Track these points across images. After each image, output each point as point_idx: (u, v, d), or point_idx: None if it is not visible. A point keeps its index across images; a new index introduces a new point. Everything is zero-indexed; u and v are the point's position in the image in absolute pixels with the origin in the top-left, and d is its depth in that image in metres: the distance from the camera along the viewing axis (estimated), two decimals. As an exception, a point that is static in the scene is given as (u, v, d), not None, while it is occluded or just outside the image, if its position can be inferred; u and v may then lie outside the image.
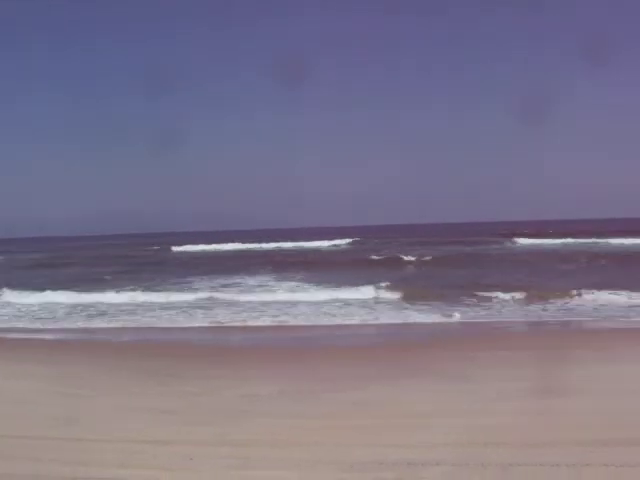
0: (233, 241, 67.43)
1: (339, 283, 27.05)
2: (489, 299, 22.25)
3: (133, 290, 26.87)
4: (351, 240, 65.55)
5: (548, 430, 8.21)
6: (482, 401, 10.00)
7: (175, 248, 62.20)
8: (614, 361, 12.78)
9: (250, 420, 9.23)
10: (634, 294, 21.32)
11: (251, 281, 32.12)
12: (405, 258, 40.23)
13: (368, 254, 44.78)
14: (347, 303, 23.01)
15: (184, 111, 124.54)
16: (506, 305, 21.32)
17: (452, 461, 7.08)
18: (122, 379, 12.50)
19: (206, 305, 23.50)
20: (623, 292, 21.65)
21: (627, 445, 7.43)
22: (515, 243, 58.45)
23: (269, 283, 31.10)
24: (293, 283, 30.10)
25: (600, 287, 22.87)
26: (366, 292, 24.14)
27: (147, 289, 27.47)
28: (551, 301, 21.44)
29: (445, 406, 9.78)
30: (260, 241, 66.99)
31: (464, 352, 14.28)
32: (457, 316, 19.50)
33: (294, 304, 22.78)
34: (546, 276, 29.20)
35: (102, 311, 23.08)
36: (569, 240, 58.10)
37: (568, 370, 12.05)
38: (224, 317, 20.58)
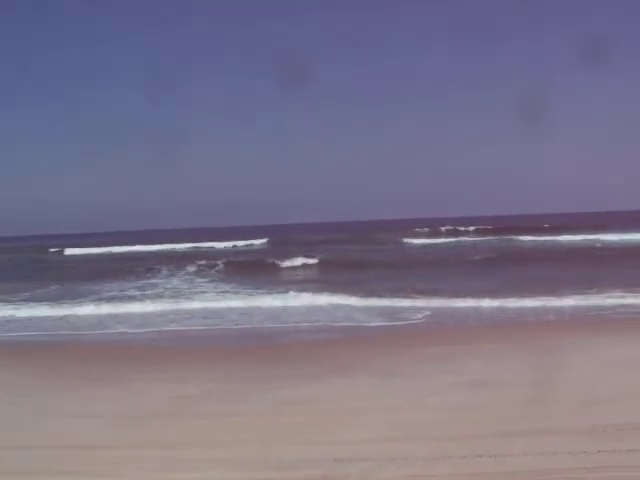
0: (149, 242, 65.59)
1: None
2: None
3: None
4: (265, 240, 65.03)
5: (472, 423, 8.38)
6: (409, 397, 10.13)
7: (69, 251, 59.47)
8: (536, 353, 13.09)
9: (178, 421, 9.16)
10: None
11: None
12: (279, 263, 38.63)
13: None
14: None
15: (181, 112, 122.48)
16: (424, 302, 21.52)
17: (378, 456, 7.17)
18: (47, 383, 12.22)
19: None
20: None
21: (546, 434, 7.65)
22: (407, 243, 58.88)
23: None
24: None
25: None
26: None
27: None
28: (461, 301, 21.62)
29: (372, 402, 9.87)
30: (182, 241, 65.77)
31: (392, 349, 14.42)
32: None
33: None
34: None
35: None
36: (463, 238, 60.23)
37: (493, 364, 12.35)
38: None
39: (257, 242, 63.46)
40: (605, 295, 21.06)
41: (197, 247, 60.50)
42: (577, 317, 18.18)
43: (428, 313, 19.41)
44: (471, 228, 73.53)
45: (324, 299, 22.40)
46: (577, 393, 9.59)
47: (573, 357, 12.51)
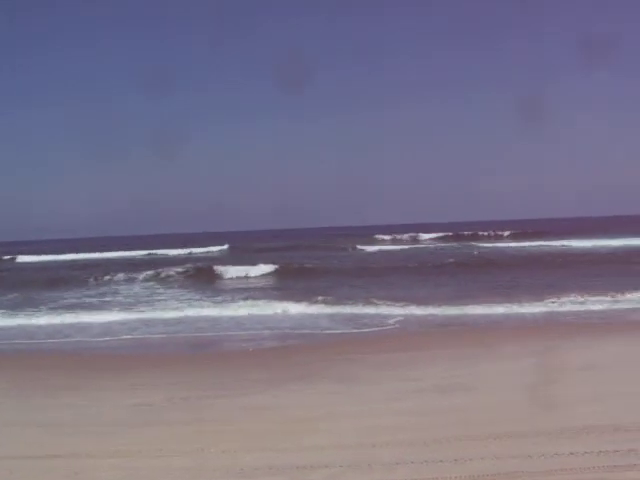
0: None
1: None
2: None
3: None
4: (225, 247, 64.82)
5: (433, 428, 8.45)
6: (371, 403, 10.19)
7: (22, 258, 58.09)
8: (497, 359, 13.28)
9: (139, 430, 9.09)
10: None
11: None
12: (239, 270, 37.66)
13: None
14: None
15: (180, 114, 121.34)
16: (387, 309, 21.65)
17: (340, 463, 7.19)
18: (3, 393, 12.01)
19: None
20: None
21: (506, 438, 7.75)
22: (357, 249, 59.18)
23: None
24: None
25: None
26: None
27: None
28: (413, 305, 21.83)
29: (335, 408, 9.91)
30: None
31: (355, 355, 14.47)
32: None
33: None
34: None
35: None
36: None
37: (454, 369, 12.48)
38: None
39: (216, 249, 63.23)
40: (565, 300, 21.48)
41: (152, 254, 60.04)
42: (538, 322, 18.48)
43: (392, 320, 19.58)
44: (432, 235, 74.45)
45: (287, 306, 22.36)
46: (537, 397, 9.73)
47: (534, 362, 12.68)
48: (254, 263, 38.90)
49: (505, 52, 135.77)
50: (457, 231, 75.83)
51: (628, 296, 21.83)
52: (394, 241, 70.45)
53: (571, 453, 7.09)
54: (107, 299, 27.99)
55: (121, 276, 36.78)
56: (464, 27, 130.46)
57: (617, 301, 21.25)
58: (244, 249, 60.81)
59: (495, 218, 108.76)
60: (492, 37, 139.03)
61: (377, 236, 73.91)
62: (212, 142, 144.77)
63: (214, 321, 20.64)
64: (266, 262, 38.83)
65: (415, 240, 71.46)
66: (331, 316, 20.71)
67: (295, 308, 22.03)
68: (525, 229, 75.91)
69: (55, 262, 53.54)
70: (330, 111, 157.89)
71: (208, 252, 61.16)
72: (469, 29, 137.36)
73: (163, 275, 37.01)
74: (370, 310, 21.36)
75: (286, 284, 31.30)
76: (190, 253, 60.04)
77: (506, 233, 72.92)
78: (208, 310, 22.82)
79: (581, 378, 11.05)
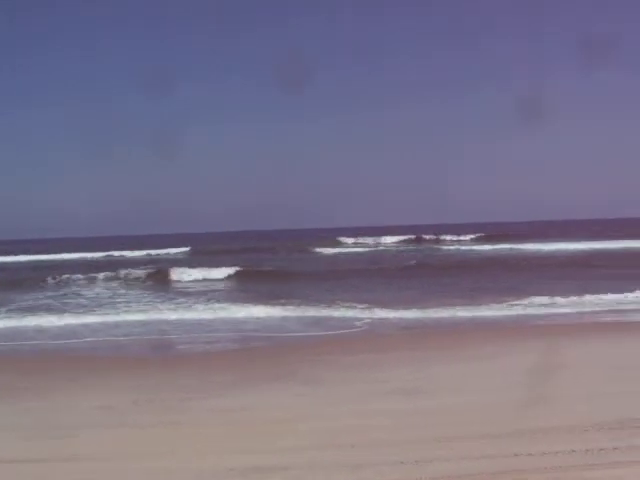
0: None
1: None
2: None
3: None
4: (187, 249, 64.49)
5: (397, 430, 8.51)
6: (336, 404, 10.22)
7: None
8: (461, 360, 13.41)
9: (101, 433, 9.01)
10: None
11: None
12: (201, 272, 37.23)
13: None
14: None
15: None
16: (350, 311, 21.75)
17: (302, 464, 7.21)
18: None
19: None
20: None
21: (467, 440, 7.84)
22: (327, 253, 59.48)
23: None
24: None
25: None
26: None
27: None
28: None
29: (298, 410, 9.92)
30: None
31: (320, 357, 14.50)
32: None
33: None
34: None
35: None
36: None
37: (419, 371, 12.57)
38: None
39: (177, 251, 62.76)
40: (527, 302, 21.81)
41: (110, 256, 59.33)
42: (501, 324, 18.69)
43: (357, 322, 19.70)
44: (395, 238, 74.95)
45: (252, 309, 22.29)
46: (497, 399, 9.87)
47: (497, 364, 12.85)
48: (216, 265, 38.70)
49: (502, 52, 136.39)
50: (422, 234, 76.49)
51: (588, 297, 22.21)
52: (357, 244, 70.67)
53: (529, 454, 7.20)
54: (67, 301, 27.62)
55: (80, 278, 36.27)
56: (464, 28, 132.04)
57: (578, 303, 21.57)
58: (205, 251, 60.53)
59: (465, 221, 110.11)
60: (492, 38, 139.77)
61: (340, 238, 74.12)
62: (191, 143, 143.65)
63: (177, 324, 20.51)
64: (228, 264, 38.69)
65: (378, 243, 71.83)
66: (296, 318, 20.70)
67: (260, 310, 21.95)
68: (493, 232, 76.94)
69: (4, 264, 52.38)
70: (322, 112, 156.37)
71: (169, 254, 60.72)
72: (469, 30, 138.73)
73: (123, 277, 36.55)
74: (335, 312, 21.42)
75: (249, 287, 31.24)
76: (151, 255, 59.58)
77: (470, 236, 73.82)
78: (171, 313, 22.60)
79: (539, 379, 11.19)
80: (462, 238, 72.70)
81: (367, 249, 61.39)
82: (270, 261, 46.26)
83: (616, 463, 6.80)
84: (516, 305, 21.57)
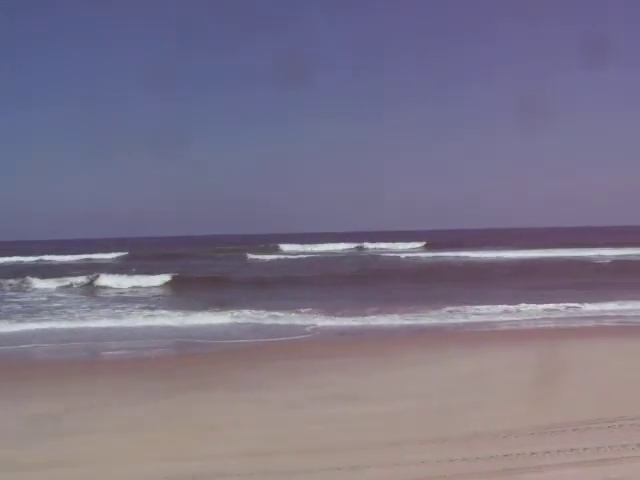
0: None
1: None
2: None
3: None
4: (126, 254, 63.73)
5: (331, 436, 8.54)
6: (271, 410, 10.21)
7: None
8: (395, 367, 13.53)
9: (34, 441, 8.80)
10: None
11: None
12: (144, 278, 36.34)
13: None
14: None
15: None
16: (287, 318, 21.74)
17: (238, 471, 7.18)
18: None
19: None
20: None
21: (402, 445, 7.90)
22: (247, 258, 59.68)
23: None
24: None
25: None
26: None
27: None
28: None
29: (236, 417, 9.88)
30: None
31: (258, 363, 14.46)
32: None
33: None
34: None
35: None
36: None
37: (354, 377, 12.65)
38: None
39: (112, 256, 61.77)
40: (462, 310, 22.13)
41: (42, 260, 57.61)
42: (437, 332, 18.93)
43: (296, 329, 19.66)
44: (338, 245, 75.28)
45: (190, 316, 22.03)
46: (431, 405, 10.00)
47: (431, 370, 13.00)
48: (152, 271, 37.89)
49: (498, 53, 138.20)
50: (366, 241, 76.99)
51: (522, 306, 22.63)
52: (298, 251, 70.63)
53: (464, 458, 7.31)
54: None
55: (7, 283, 35.21)
56: (463, 28, 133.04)
57: (508, 312, 21.96)
58: (142, 256, 59.76)
59: (409, 228, 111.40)
60: (491, 38, 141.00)
61: (280, 245, 74.14)
62: (126, 144, 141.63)
63: (111, 331, 20.05)
64: (165, 271, 37.88)
65: (319, 250, 71.97)
66: (235, 325, 20.55)
67: (198, 317, 21.72)
68: (436, 239, 78.01)
69: None
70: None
71: (104, 259, 59.57)
72: (468, 30, 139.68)
73: (56, 283, 35.43)
74: (275, 320, 21.31)
75: (187, 293, 30.96)
76: (85, 259, 58.48)
77: (414, 244, 74.56)
78: (104, 320, 21.97)
79: (474, 385, 11.41)
80: (404, 246, 73.38)
81: (307, 256, 61.42)
82: (208, 267, 45.86)
83: (547, 466, 6.97)
84: (454, 312, 21.87)
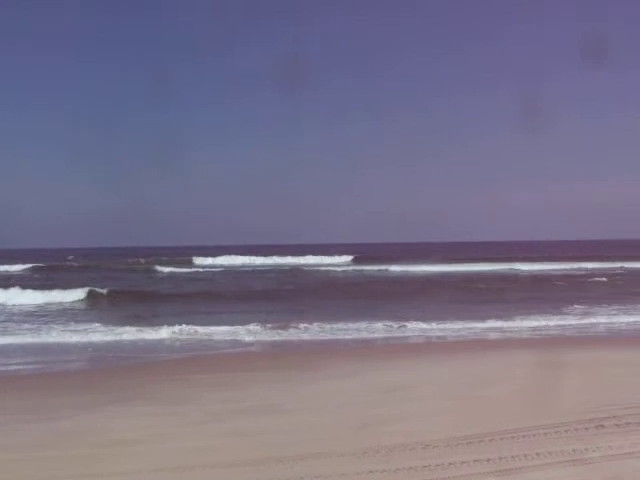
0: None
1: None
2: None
3: None
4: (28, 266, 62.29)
5: (249, 449, 8.46)
6: (192, 424, 10.07)
7: None
8: (316, 380, 13.56)
9: None
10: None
11: None
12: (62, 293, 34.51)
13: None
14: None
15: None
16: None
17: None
18: None
19: None
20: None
21: (322, 458, 7.91)
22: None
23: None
24: None
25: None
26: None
27: None
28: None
29: (155, 431, 9.69)
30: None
31: (175, 375, 14.30)
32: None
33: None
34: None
35: None
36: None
37: (275, 390, 12.61)
38: None
39: (18, 268, 60.04)
40: (384, 324, 22.39)
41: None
42: (359, 345, 19.10)
43: (218, 342, 19.60)
44: (260, 259, 74.99)
45: (113, 331, 21.60)
46: (352, 417, 10.05)
47: (353, 383, 13.07)
48: (68, 285, 36.60)
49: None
50: (292, 254, 76.98)
51: (446, 322, 23.04)
52: (214, 265, 69.95)
53: (384, 470, 7.37)
54: None
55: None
56: (463, 29, 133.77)
57: (429, 327, 22.29)
58: (54, 268, 58.37)
59: (335, 242, 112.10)
60: (491, 39, 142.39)
61: (195, 258, 73.41)
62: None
63: (29, 347, 19.47)
64: (79, 284, 36.65)
65: (235, 264, 71.41)
66: (154, 340, 20.19)
67: (119, 333, 21.30)
68: (367, 253, 78.66)
69: None
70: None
71: (7, 272, 57.58)
72: (468, 31, 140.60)
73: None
74: (195, 334, 21.06)
75: (104, 308, 30.36)
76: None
77: (342, 257, 74.85)
78: (21, 337, 21.18)
79: (395, 398, 11.53)
80: (332, 260, 73.53)
81: (221, 270, 61.06)
82: (122, 281, 45.01)
83: (464, 476, 7.09)
84: (376, 326, 22.11)
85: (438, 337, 20.23)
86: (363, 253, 79.35)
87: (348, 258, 75.02)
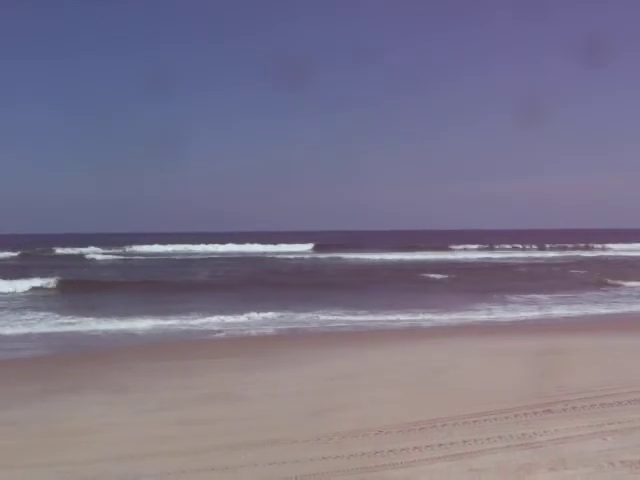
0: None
1: None
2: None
3: None
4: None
5: (203, 436, 8.46)
6: (145, 412, 10.02)
7: None
8: (272, 367, 13.57)
9: None
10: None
11: None
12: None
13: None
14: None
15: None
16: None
17: (107, 476, 7.00)
18: None
19: None
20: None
21: (276, 445, 7.95)
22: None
23: None
24: None
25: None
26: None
27: None
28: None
29: (107, 419, 9.60)
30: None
31: (127, 363, 14.17)
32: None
33: None
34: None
35: None
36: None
37: (228, 377, 12.60)
38: None
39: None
40: (341, 311, 22.54)
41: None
42: (315, 332, 19.17)
43: (169, 329, 19.59)
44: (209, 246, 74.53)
45: (66, 321, 21.29)
46: (305, 404, 10.09)
47: (308, 370, 13.11)
48: (9, 275, 35.21)
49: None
50: (249, 241, 76.60)
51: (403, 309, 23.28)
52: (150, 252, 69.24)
53: (337, 456, 7.43)
54: None
55: None
56: (461, 28, 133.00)
57: (389, 313, 22.50)
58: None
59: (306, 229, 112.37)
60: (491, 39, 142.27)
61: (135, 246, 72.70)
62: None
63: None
64: (18, 274, 35.42)
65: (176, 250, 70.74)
66: (109, 331, 19.87)
67: (72, 322, 20.98)
68: (332, 241, 78.67)
69: None
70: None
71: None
72: (467, 31, 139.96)
73: None
74: (150, 322, 20.80)
75: (53, 298, 29.77)
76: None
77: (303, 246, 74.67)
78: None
79: (349, 385, 11.62)
80: (292, 248, 73.18)
81: (162, 258, 60.62)
82: (61, 269, 43.96)
83: (416, 461, 7.19)
84: (333, 313, 22.27)
85: (386, 326, 20.39)
86: (335, 241, 79.27)
87: (307, 246, 74.89)
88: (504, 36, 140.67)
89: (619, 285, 31.91)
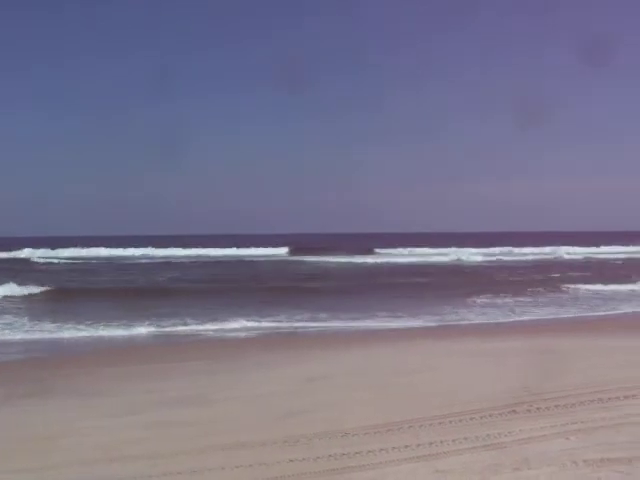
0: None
1: None
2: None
3: None
4: None
5: (170, 441, 8.44)
6: (113, 416, 9.95)
7: None
8: (236, 370, 13.58)
9: None
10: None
11: None
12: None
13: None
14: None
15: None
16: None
17: (74, 480, 6.97)
18: None
19: None
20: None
21: (243, 448, 7.95)
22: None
23: None
24: None
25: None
26: None
27: None
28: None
29: (72, 424, 9.54)
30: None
31: (93, 368, 14.10)
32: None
33: None
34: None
35: None
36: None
37: (198, 380, 12.59)
38: None
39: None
40: (311, 314, 22.59)
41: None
42: (284, 335, 19.23)
43: (136, 334, 19.53)
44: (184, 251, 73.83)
45: (34, 328, 21.00)
46: (273, 407, 10.12)
47: (276, 373, 13.13)
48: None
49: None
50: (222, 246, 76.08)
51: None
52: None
53: (304, 458, 7.46)
54: None
55: None
56: (461, 28, 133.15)
57: (365, 316, 22.58)
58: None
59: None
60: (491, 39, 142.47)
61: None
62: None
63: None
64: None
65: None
66: (73, 337, 19.65)
67: (40, 330, 20.71)
68: (306, 244, 78.35)
69: None
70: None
71: None
72: (467, 31, 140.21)
73: None
74: (115, 328, 20.59)
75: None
76: None
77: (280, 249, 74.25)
78: None
79: (313, 387, 11.66)
80: (267, 251, 72.73)
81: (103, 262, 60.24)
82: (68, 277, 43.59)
83: (383, 463, 7.24)
84: (303, 315, 22.33)
85: (353, 329, 20.47)
86: (314, 244, 79.02)
87: (282, 250, 74.49)
88: (504, 36, 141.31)
89: (578, 288, 32.58)
